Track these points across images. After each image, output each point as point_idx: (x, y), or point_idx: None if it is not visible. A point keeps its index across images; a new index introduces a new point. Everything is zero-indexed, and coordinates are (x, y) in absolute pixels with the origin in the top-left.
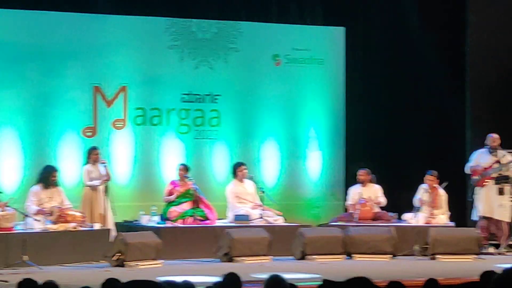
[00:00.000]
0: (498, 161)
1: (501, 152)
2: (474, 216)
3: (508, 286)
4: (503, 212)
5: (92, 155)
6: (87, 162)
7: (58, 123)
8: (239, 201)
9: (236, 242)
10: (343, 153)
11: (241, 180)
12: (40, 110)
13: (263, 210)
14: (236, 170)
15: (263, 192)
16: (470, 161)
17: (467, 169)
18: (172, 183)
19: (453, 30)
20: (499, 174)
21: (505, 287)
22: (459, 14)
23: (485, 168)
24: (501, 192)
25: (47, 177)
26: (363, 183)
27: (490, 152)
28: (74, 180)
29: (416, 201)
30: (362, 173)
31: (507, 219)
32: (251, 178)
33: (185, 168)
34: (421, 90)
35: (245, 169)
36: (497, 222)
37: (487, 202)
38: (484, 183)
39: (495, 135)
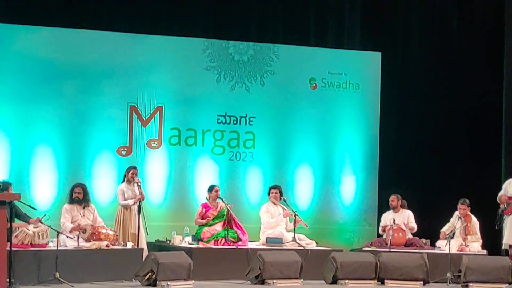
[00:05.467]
0: None
1: None
2: (502, 245)
3: None
4: None
5: (128, 174)
6: (123, 181)
7: (94, 141)
8: (269, 226)
9: (268, 264)
10: (376, 178)
11: (274, 203)
12: (76, 128)
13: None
14: (269, 192)
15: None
16: (501, 189)
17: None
18: (204, 205)
19: (491, 54)
20: None
21: None
22: (497, 46)
23: (510, 197)
24: None
25: (70, 193)
26: (394, 208)
27: None
28: (109, 199)
29: (443, 232)
30: (393, 199)
31: None
32: (284, 201)
33: (217, 190)
34: (456, 118)
35: (275, 192)
36: None
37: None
38: (510, 212)
39: None
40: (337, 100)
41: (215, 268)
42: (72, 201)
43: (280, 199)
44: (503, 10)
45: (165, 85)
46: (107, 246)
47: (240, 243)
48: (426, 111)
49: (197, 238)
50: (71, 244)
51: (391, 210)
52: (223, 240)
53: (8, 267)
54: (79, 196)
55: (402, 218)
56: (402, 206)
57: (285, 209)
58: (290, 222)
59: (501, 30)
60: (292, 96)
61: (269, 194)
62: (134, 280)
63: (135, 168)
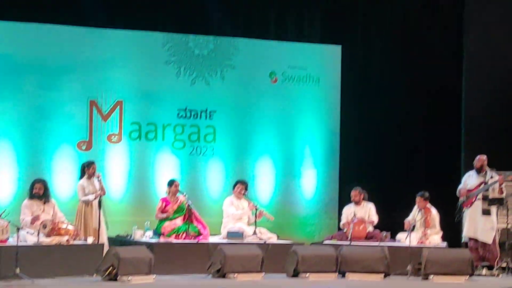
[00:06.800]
0: (484, 182)
1: (489, 173)
2: (462, 237)
3: None
4: (486, 233)
5: (88, 169)
6: (82, 177)
7: (54, 136)
8: (234, 218)
9: (229, 258)
10: (337, 171)
11: (238, 197)
12: (36, 123)
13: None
14: (234, 186)
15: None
16: (461, 182)
17: (457, 191)
18: (164, 200)
19: (451, 50)
20: (494, 196)
21: None
22: (457, 39)
23: (469, 190)
24: (485, 213)
25: (30, 189)
26: (357, 203)
27: (478, 173)
28: (69, 194)
29: (407, 221)
30: (355, 194)
31: (490, 241)
32: (245, 196)
33: (177, 184)
34: (416, 111)
35: (242, 187)
36: (484, 244)
37: (472, 223)
38: (470, 204)
39: (481, 156)
40: (298, 93)
41: (177, 262)
42: (32, 196)
43: (244, 194)
44: (463, 1)
45: (125, 79)
46: (67, 241)
47: (201, 237)
48: (386, 104)
49: (158, 233)
50: (31, 239)
51: (352, 204)
52: (184, 234)
53: None
54: (39, 191)
55: (364, 212)
56: (363, 198)
57: (250, 202)
58: (253, 215)
59: (460, 23)
60: (252, 90)
61: (234, 188)
62: (95, 275)
63: (93, 163)
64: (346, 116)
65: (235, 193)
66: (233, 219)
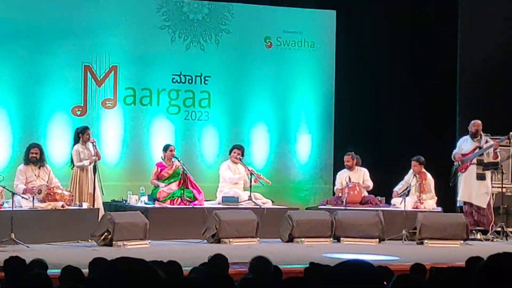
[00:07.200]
0: (479, 147)
1: (484, 138)
2: (457, 202)
3: (493, 272)
4: (480, 198)
5: (83, 135)
6: (77, 142)
7: (48, 102)
8: (231, 182)
9: (224, 223)
10: (332, 136)
11: (234, 162)
12: (30, 88)
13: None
14: (231, 151)
15: (252, 174)
16: (455, 147)
17: (452, 156)
18: (159, 165)
19: (446, 17)
20: (488, 161)
21: (490, 274)
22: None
23: (464, 154)
24: (480, 177)
25: (26, 153)
26: (350, 168)
27: (473, 138)
28: (63, 159)
29: (396, 191)
30: (348, 159)
31: (484, 205)
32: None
33: (172, 149)
34: (412, 75)
35: (238, 152)
36: (479, 208)
37: (466, 188)
38: (464, 169)
39: (476, 121)
40: (292, 58)
41: (171, 227)
42: (28, 161)
43: (240, 159)
44: None
45: (119, 44)
46: (62, 206)
47: (196, 202)
48: (381, 69)
49: (153, 198)
50: (26, 205)
51: (347, 169)
52: (179, 199)
53: None
54: (36, 156)
55: (357, 177)
56: (357, 164)
57: (246, 167)
58: (249, 180)
59: None
60: (247, 55)
61: (230, 153)
62: (90, 241)
63: (88, 128)
64: (340, 81)
65: (231, 158)
66: (230, 183)
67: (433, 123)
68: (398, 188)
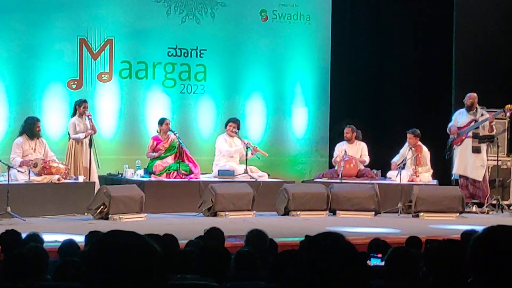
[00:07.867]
0: (475, 120)
1: (480, 111)
2: (452, 175)
3: (487, 245)
4: (476, 171)
5: (79, 108)
6: (74, 115)
7: (44, 75)
8: (228, 155)
9: (220, 196)
10: (327, 109)
11: (230, 135)
12: (25, 62)
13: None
14: (226, 124)
15: (248, 147)
16: (451, 120)
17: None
18: (155, 138)
19: None
20: (484, 134)
21: (485, 247)
22: None
23: (459, 127)
24: (475, 150)
25: (30, 128)
26: (349, 140)
27: (468, 111)
28: (59, 132)
29: (394, 162)
30: (347, 131)
31: (480, 178)
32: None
33: (168, 123)
34: (408, 49)
35: (234, 126)
36: (474, 181)
37: (462, 161)
38: (460, 142)
39: (472, 94)
40: (288, 32)
41: (168, 201)
42: (32, 136)
43: (236, 132)
44: None
45: (115, 17)
46: (58, 180)
47: (192, 175)
48: (377, 42)
49: (149, 171)
50: (22, 178)
51: (345, 142)
52: (175, 173)
53: None
54: (40, 130)
55: (355, 150)
56: (356, 138)
57: (242, 140)
58: (246, 152)
59: None
60: (243, 28)
61: (226, 127)
62: (86, 214)
63: (86, 101)
64: (336, 54)
65: (227, 131)
66: (226, 156)
67: (429, 95)
68: (396, 159)
